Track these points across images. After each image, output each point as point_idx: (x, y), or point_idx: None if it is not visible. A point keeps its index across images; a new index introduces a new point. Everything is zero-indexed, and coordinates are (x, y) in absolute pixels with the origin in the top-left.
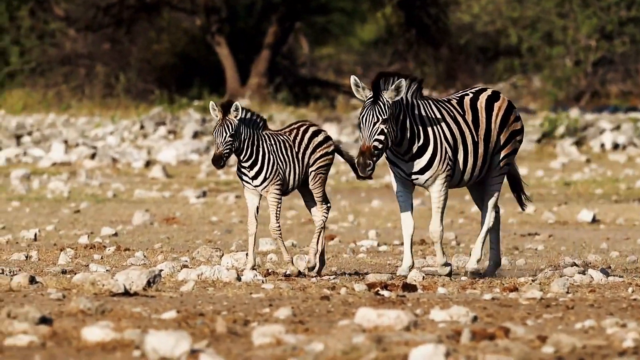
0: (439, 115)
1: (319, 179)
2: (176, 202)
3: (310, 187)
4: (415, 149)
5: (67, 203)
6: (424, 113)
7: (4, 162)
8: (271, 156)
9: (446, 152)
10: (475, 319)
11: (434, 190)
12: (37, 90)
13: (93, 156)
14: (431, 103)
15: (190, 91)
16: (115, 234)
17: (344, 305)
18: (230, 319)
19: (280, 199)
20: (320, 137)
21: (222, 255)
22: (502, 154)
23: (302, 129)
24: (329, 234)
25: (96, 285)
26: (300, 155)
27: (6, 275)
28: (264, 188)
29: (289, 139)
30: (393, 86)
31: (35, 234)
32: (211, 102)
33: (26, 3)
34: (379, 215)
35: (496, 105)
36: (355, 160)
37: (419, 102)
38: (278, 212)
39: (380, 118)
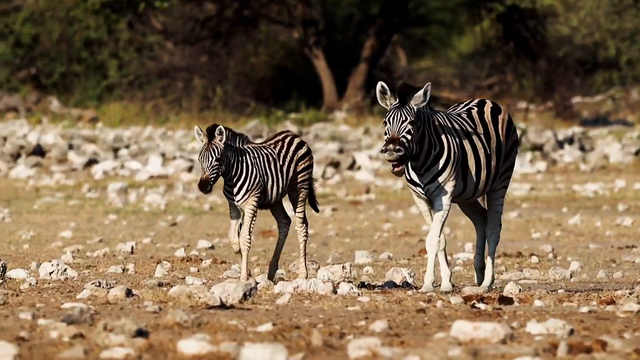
0: (450, 126)
1: (302, 195)
2: (272, 215)
3: (295, 204)
4: (431, 158)
5: (164, 216)
6: (437, 123)
7: (102, 175)
8: (254, 169)
9: (457, 162)
10: (572, 332)
11: (440, 198)
12: (134, 103)
13: (190, 169)
14: (445, 116)
15: (288, 104)
16: (212, 247)
17: (440, 318)
18: (326, 331)
19: (256, 211)
20: (303, 150)
21: (318, 268)
22: (506, 166)
23: (286, 140)
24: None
25: (192, 298)
26: (284, 168)
27: (103, 288)
28: (243, 201)
29: (273, 152)
30: (421, 91)
31: (132, 247)
32: (196, 127)
33: (124, 16)
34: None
35: (500, 117)
36: (382, 149)
37: (433, 115)
38: (252, 224)
39: (409, 118)
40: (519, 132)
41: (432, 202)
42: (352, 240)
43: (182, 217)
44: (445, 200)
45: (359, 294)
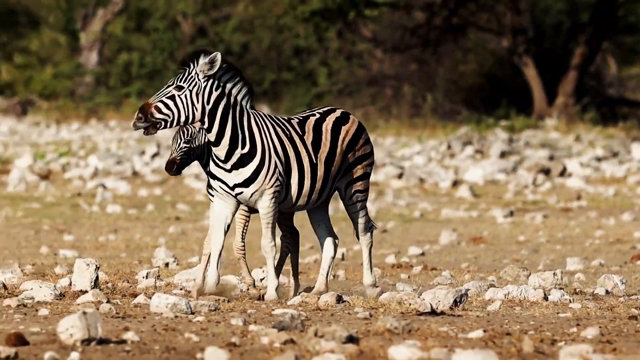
0: (271, 129)
1: None
2: (483, 222)
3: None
4: (238, 155)
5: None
6: (253, 122)
7: None
8: None
9: (276, 166)
10: None
11: (261, 206)
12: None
13: (400, 176)
14: (264, 116)
15: (498, 111)
16: (422, 254)
17: None
18: (537, 338)
19: None
20: None
21: (529, 274)
22: (352, 179)
23: None
24: (638, 253)
25: (403, 304)
26: None
27: (313, 294)
28: None
29: None
30: (207, 59)
31: (343, 254)
32: None
33: (334, 24)
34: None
35: (344, 128)
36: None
37: (250, 111)
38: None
39: (175, 84)
40: None
41: (229, 203)
42: (563, 247)
43: (393, 223)
44: (269, 206)
45: (570, 301)
